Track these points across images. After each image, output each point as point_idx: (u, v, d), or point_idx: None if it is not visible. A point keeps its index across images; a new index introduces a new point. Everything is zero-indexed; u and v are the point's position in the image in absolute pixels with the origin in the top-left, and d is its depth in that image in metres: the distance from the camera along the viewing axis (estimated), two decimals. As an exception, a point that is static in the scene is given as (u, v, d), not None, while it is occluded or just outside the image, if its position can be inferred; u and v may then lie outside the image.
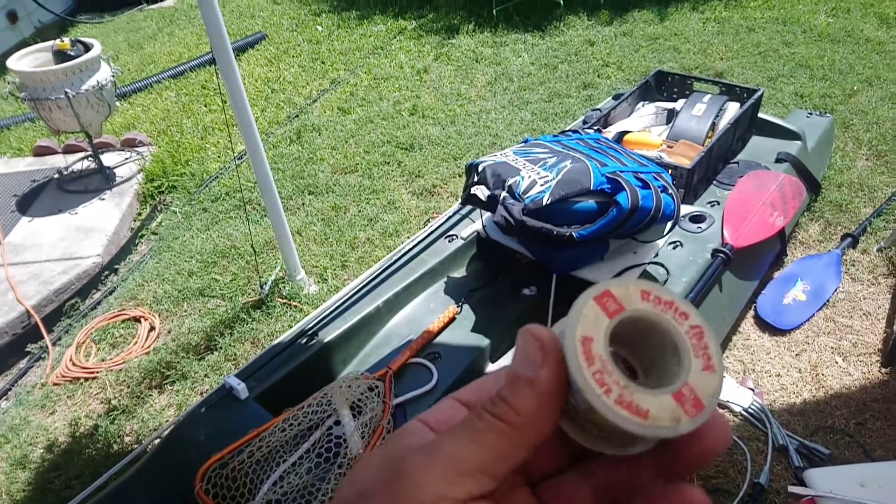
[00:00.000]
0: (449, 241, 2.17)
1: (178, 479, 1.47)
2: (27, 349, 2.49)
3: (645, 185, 1.75)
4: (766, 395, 1.97)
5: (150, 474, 1.52)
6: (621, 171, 1.78)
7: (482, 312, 1.97)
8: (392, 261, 2.08)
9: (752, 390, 1.97)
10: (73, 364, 2.28)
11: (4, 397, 2.35)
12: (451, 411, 0.28)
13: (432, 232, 2.21)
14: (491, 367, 1.88)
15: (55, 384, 2.23)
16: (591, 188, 1.72)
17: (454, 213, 2.26)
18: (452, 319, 1.93)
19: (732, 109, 2.46)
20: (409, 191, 3.03)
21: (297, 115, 3.77)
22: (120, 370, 2.21)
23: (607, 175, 1.75)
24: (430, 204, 2.93)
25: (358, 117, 3.67)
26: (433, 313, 1.99)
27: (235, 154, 3.25)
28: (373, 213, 2.89)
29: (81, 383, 2.20)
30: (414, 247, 2.15)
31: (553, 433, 0.27)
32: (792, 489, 1.31)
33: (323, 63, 4.42)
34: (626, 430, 0.25)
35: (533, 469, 0.29)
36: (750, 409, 1.92)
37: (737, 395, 1.95)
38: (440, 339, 1.88)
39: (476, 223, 2.15)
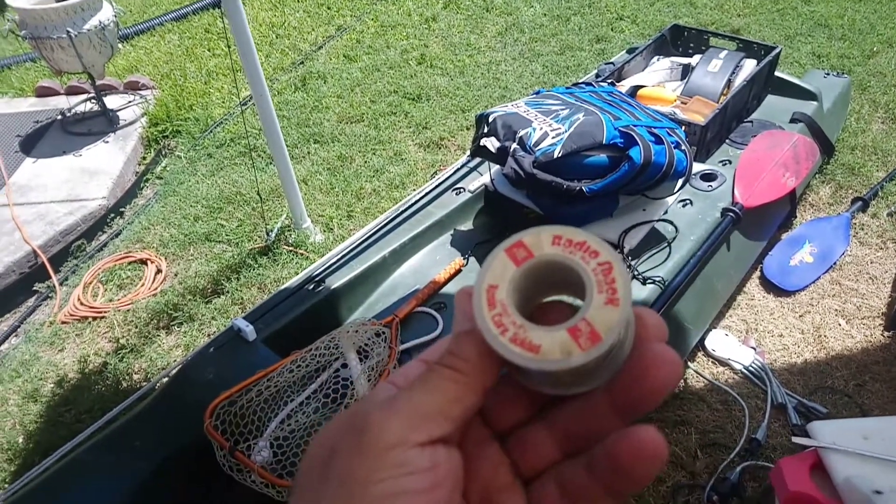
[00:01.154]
0: (456, 194, 2.15)
1: (186, 415, 1.49)
2: (34, 288, 2.51)
3: (658, 141, 1.73)
4: (767, 355, 2.00)
5: (160, 409, 1.55)
6: (634, 126, 1.75)
7: (488, 265, 1.97)
8: (399, 212, 2.08)
9: (754, 349, 1.99)
10: (81, 303, 2.30)
11: (14, 334, 2.38)
12: (417, 371, 0.30)
13: (439, 184, 2.19)
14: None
15: (63, 322, 2.25)
16: (604, 142, 1.70)
17: (462, 166, 2.24)
18: (458, 271, 1.93)
19: (749, 67, 2.41)
20: (416, 142, 3.00)
21: (302, 62, 3.70)
22: (127, 311, 2.23)
23: (620, 129, 1.72)
24: (436, 157, 2.90)
25: (364, 65, 3.59)
26: (439, 265, 1.99)
27: (240, 100, 3.20)
28: (379, 164, 2.86)
29: (89, 322, 2.23)
30: (421, 199, 2.14)
31: (497, 376, 0.28)
32: (796, 440, 1.33)
33: (329, 9, 4.31)
34: (520, 365, 0.27)
35: (500, 422, 0.31)
36: (750, 368, 1.94)
37: (738, 353, 1.97)
38: (446, 289, 1.89)
39: (484, 176, 2.13)
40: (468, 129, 3.01)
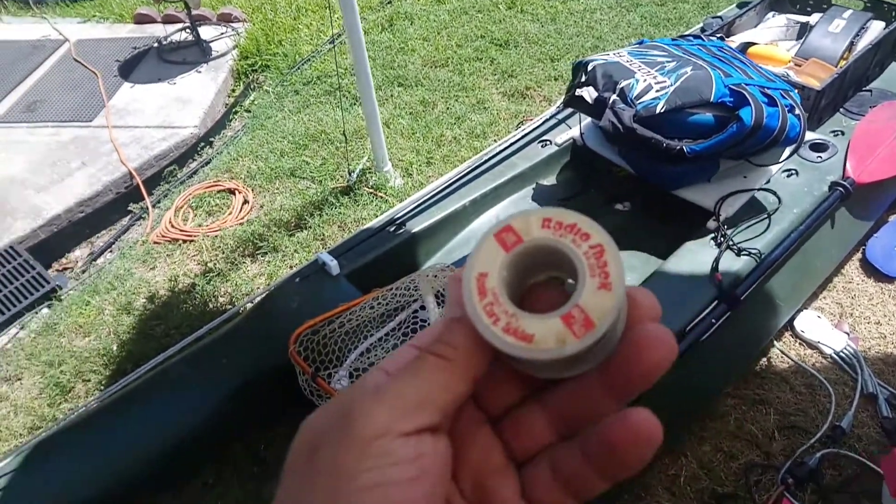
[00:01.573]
0: (542, 147, 2.10)
1: (271, 339, 1.56)
2: (129, 208, 2.65)
3: (771, 102, 1.61)
4: (861, 342, 1.88)
5: (247, 331, 1.62)
6: (746, 84, 1.63)
7: (572, 222, 1.93)
8: (481, 161, 2.04)
9: (847, 334, 1.88)
10: (172, 226, 2.41)
11: (109, 250, 2.53)
12: (408, 355, 0.29)
13: (525, 135, 2.14)
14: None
15: (155, 242, 2.37)
16: (712, 100, 1.60)
17: (550, 117, 2.17)
18: (541, 226, 1.89)
19: (875, 29, 2.19)
20: (500, 91, 2.92)
21: (390, 2, 3.64)
22: (215, 236, 2.32)
23: (731, 86, 1.61)
24: (521, 107, 2.82)
25: (452, 7, 3.50)
26: (520, 218, 1.96)
27: (329, 36, 3.19)
28: (461, 111, 2.82)
29: (179, 244, 2.34)
30: (505, 149, 2.09)
31: (488, 364, 0.28)
32: None
33: (421, -52, 4.20)
34: (514, 356, 0.26)
35: (493, 405, 0.30)
36: (842, 353, 1.84)
37: (830, 337, 1.87)
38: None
39: (573, 129, 2.06)
40: (556, 79, 2.91)
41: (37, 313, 2.22)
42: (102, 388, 1.90)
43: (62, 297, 2.24)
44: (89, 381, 1.92)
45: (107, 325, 2.07)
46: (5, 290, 2.25)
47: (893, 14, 2.19)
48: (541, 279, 0.30)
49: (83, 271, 2.42)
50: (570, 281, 0.29)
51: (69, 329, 2.07)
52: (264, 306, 1.64)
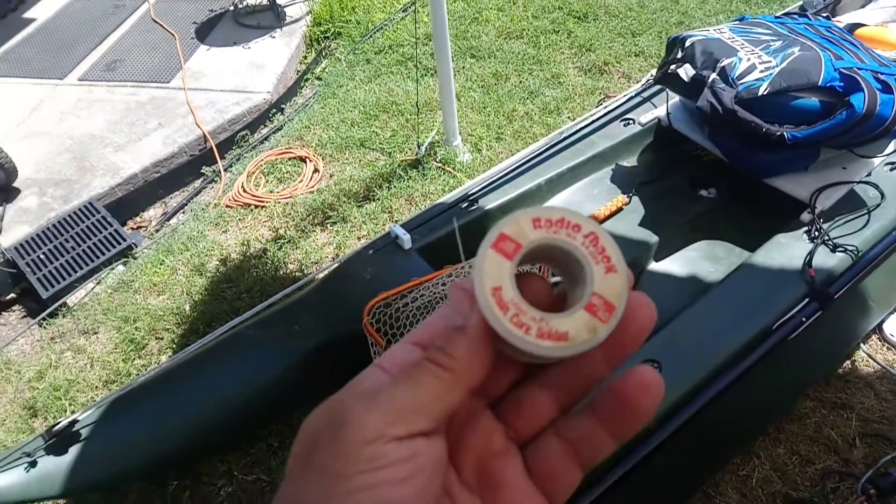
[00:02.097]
0: (624, 126, 2.01)
1: (343, 309, 1.56)
2: (202, 171, 2.70)
3: (886, 89, 1.48)
4: (959, 350, 1.76)
5: (317, 300, 1.63)
6: (859, 69, 1.51)
7: (652, 207, 1.85)
8: (559, 138, 1.98)
9: (944, 342, 1.76)
10: (244, 191, 2.44)
11: (182, 211, 2.59)
12: (406, 353, 0.30)
13: (607, 113, 2.05)
14: (654, 266, 1.79)
15: (227, 206, 2.42)
16: (820, 83, 1.49)
17: (635, 95, 2.07)
18: (620, 209, 1.83)
19: None
20: (577, 65, 2.82)
21: (465, -30, 3.55)
22: (286, 203, 2.34)
23: (842, 70, 1.50)
24: (598, 83, 2.72)
25: (530, -23, 3.39)
26: (596, 200, 1.90)
27: (403, 4, 3.14)
28: (534, 85, 2.74)
29: (251, 209, 2.37)
30: (584, 126, 2.02)
31: (485, 375, 0.29)
32: None
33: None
34: (555, 357, 0.28)
35: (491, 390, 0.30)
36: (936, 361, 1.72)
37: (924, 343, 1.75)
38: (604, 227, 1.80)
39: (658, 109, 1.96)
40: (637, 55, 2.79)
41: (113, 269, 2.30)
42: (175, 346, 1.96)
43: (137, 256, 2.32)
44: (162, 338, 1.98)
45: (180, 284, 2.13)
46: (83, 245, 2.34)
47: None
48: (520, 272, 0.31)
49: (157, 230, 2.49)
50: (554, 272, 0.31)
51: (144, 287, 2.14)
52: (337, 275, 1.65)
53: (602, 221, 1.79)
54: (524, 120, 2.61)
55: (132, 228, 2.58)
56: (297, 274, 2.06)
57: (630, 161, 2.00)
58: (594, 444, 0.29)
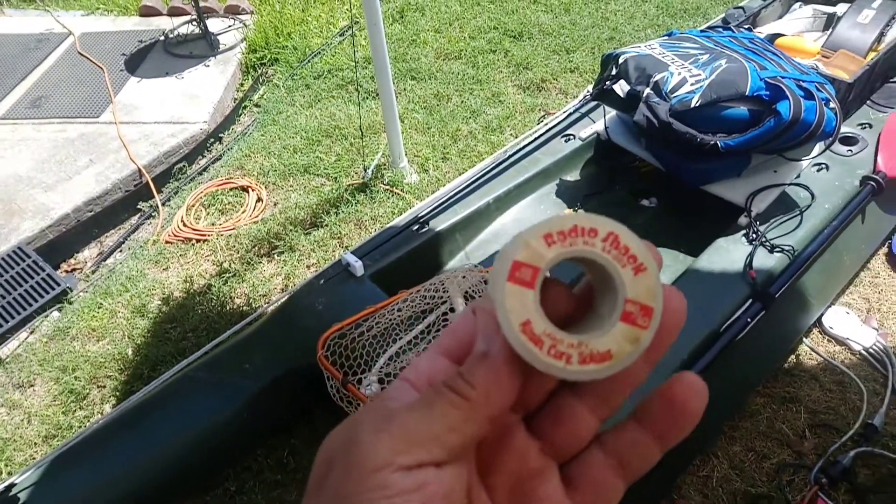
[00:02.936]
0: (566, 141, 2.05)
1: (295, 343, 1.52)
2: (138, 206, 2.59)
3: (808, 96, 1.57)
4: (890, 337, 1.85)
5: (269, 336, 1.58)
6: (782, 77, 1.59)
7: (598, 218, 1.89)
8: (503, 157, 2.00)
9: (876, 330, 1.85)
10: (185, 225, 2.36)
11: (119, 250, 2.48)
12: (432, 363, 0.29)
13: (548, 130, 2.09)
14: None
15: (167, 242, 2.33)
16: (747, 93, 1.56)
17: (573, 111, 2.12)
18: (567, 222, 1.85)
19: (904, 19, 2.15)
20: (515, 84, 2.87)
21: (399, -7, 3.58)
22: (230, 235, 2.27)
23: (767, 79, 1.57)
24: (537, 100, 2.77)
25: (464, -1, 3.45)
26: (543, 215, 1.92)
27: (339, 29, 3.13)
28: (476, 104, 2.77)
29: (193, 244, 2.29)
30: (526, 144, 2.05)
31: (508, 407, 0.27)
32: None
33: (428, -63, 4.13)
34: (602, 378, 0.26)
35: (527, 402, 0.29)
36: (871, 350, 1.81)
37: (859, 334, 1.84)
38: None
39: (597, 123, 2.02)
40: (572, 71, 2.86)
41: (47, 317, 2.17)
42: (118, 393, 1.86)
43: (73, 300, 2.20)
44: (104, 386, 1.88)
45: (121, 328, 2.03)
46: (14, 293, 2.20)
47: (922, 3, 2.14)
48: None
49: (93, 272, 2.37)
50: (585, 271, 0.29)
51: (82, 333, 2.03)
52: (288, 308, 1.60)
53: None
54: (468, 139, 2.63)
55: (66, 272, 2.45)
56: (245, 309, 2.00)
57: (573, 175, 2.04)
58: (641, 453, 0.28)
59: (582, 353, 0.26)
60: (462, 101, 2.79)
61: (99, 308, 2.12)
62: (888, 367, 1.77)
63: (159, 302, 2.10)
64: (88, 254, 2.51)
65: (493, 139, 2.59)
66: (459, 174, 2.19)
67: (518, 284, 0.26)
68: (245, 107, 3.01)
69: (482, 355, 0.27)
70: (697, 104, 1.54)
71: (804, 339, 1.87)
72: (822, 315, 1.90)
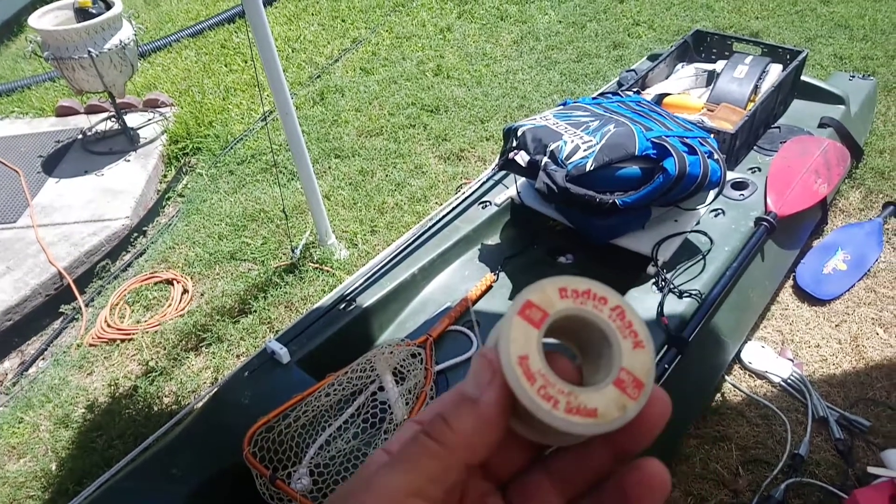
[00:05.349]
0: (482, 208, 2.13)
1: (223, 442, 1.48)
2: (60, 310, 2.51)
3: (692, 151, 1.70)
4: (805, 366, 1.95)
5: (195, 437, 1.53)
6: (667, 136, 1.73)
7: (519, 280, 1.95)
8: (425, 228, 2.06)
9: (791, 361, 1.95)
10: (108, 325, 2.29)
11: (41, 357, 2.38)
12: (408, 433, 0.29)
13: (465, 198, 2.17)
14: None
15: (91, 345, 2.25)
16: (636, 153, 1.68)
17: (487, 179, 2.22)
18: (490, 287, 1.91)
19: (775, 72, 2.37)
20: (436, 155, 2.98)
21: (318, 76, 3.70)
22: (155, 332, 2.22)
23: (653, 140, 1.70)
24: (457, 169, 2.88)
25: (381, 78, 3.59)
26: (468, 280, 1.97)
27: (262, 114, 3.20)
28: (400, 177, 2.85)
29: (117, 344, 2.22)
30: (447, 214, 2.12)
31: (488, 453, 0.27)
32: (872, 470, 1.29)
33: (343, 21, 4.32)
34: (581, 434, 0.26)
35: (500, 472, 0.30)
36: (789, 380, 1.90)
37: (776, 366, 1.93)
38: (478, 306, 1.87)
39: (510, 189, 2.11)
40: (487, 139, 3.00)
41: (-38, 437, 2.04)
42: (41, 513, 1.75)
43: (-9, 416, 2.08)
44: (26, 507, 1.77)
45: (43, 442, 1.93)
46: (-75, 415, 2.07)
47: (788, 57, 2.38)
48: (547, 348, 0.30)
49: (14, 384, 2.26)
50: (570, 345, 0.30)
51: (1, 452, 1.92)
52: (213, 407, 1.57)
53: (475, 301, 1.85)
54: (395, 211, 2.69)
55: (-17, 386, 2.32)
56: (174, 408, 1.94)
57: (493, 239, 2.11)
58: None
59: (570, 402, 0.26)
60: (386, 175, 2.87)
61: (20, 423, 2.01)
62: (806, 396, 1.87)
63: (84, 410, 2.02)
64: (9, 364, 2.40)
65: (419, 209, 2.66)
66: (388, 246, 2.23)
67: (526, 321, 0.27)
68: (169, 198, 3.00)
69: (472, 400, 0.27)
70: (592, 167, 1.64)
71: (726, 376, 1.95)
72: (739, 351, 1.99)
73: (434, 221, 2.08)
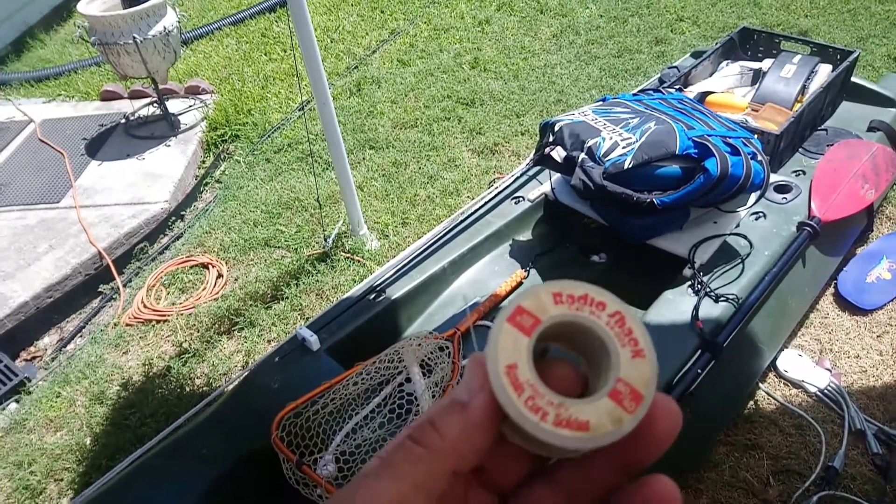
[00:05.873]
0: (515, 203, 2.12)
1: (252, 424, 1.50)
2: (99, 290, 2.58)
3: (734, 152, 1.65)
4: (843, 377, 1.89)
5: (226, 417, 1.56)
6: (709, 135, 1.68)
7: (549, 277, 1.93)
8: (457, 221, 2.05)
9: (829, 371, 1.89)
10: (145, 306, 2.35)
11: (79, 335, 2.45)
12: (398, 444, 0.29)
13: (498, 193, 2.16)
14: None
15: (127, 325, 2.31)
16: (677, 152, 1.64)
17: (521, 174, 2.20)
18: (520, 284, 1.90)
19: (824, 72, 2.29)
20: (470, 148, 2.97)
21: (356, 67, 3.72)
22: (190, 314, 2.27)
23: (694, 139, 1.66)
24: (491, 163, 2.86)
25: (418, 70, 3.59)
26: (498, 276, 1.96)
27: (300, 104, 3.23)
28: (433, 170, 2.85)
29: (153, 325, 2.28)
30: (479, 208, 2.11)
31: (477, 460, 0.26)
32: None
33: (382, 12, 4.33)
34: (571, 448, 0.25)
35: (500, 483, 0.29)
36: (826, 391, 1.85)
37: (813, 375, 1.88)
38: (507, 302, 1.86)
39: (544, 185, 2.09)
40: (522, 134, 2.97)
41: (4, 409, 2.12)
42: (76, 486, 1.81)
43: (31, 390, 2.15)
44: (62, 480, 1.83)
45: (79, 417, 1.99)
46: (-29, 386, 2.15)
47: (838, 57, 2.30)
48: (547, 356, 0.29)
49: (53, 360, 2.33)
50: (574, 353, 0.28)
51: (39, 424, 1.98)
52: (243, 390, 1.59)
53: (503, 298, 1.84)
54: (427, 203, 2.69)
55: (26, 360, 2.40)
56: (205, 389, 1.98)
57: (525, 235, 2.10)
58: None
59: (559, 414, 0.25)
60: (419, 168, 2.87)
61: (57, 397, 2.08)
62: (843, 408, 1.81)
63: (118, 387, 2.07)
64: (49, 340, 2.48)
65: (451, 202, 2.66)
66: (419, 238, 2.24)
67: (516, 328, 0.26)
68: (207, 183, 3.05)
69: (461, 405, 0.26)
70: (631, 165, 1.61)
71: (760, 384, 1.90)
72: (775, 359, 1.94)
73: (466, 215, 2.07)
